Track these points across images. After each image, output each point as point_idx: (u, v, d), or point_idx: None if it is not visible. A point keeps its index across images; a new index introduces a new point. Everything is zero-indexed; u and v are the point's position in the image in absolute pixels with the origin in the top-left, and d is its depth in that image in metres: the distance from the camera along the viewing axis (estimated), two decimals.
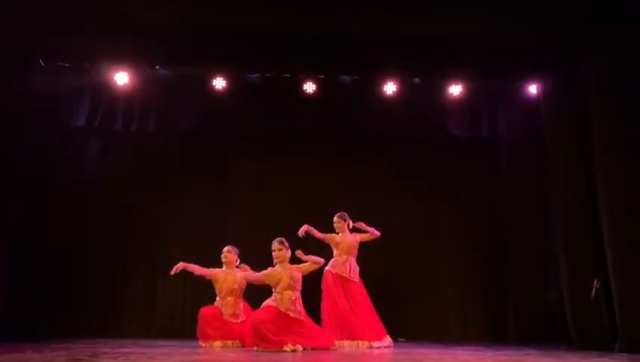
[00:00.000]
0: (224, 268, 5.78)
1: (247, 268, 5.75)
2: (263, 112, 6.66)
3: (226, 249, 5.80)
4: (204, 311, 5.59)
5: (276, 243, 5.33)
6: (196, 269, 5.68)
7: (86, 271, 6.48)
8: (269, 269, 5.28)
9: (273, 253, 5.30)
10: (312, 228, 5.82)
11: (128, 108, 6.54)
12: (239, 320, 5.58)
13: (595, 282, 5.57)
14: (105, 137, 6.82)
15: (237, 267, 5.80)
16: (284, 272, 5.23)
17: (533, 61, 6.15)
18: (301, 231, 5.75)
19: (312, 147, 7.04)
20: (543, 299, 6.44)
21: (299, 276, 5.30)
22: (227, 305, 5.65)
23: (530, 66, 6.23)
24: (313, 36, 5.86)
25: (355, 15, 5.56)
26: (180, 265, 5.57)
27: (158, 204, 6.84)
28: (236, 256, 5.80)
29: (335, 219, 6.01)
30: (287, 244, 5.34)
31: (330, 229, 6.01)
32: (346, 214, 6.02)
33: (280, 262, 5.29)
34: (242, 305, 5.73)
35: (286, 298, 5.15)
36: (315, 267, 5.46)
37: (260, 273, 5.29)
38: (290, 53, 6.11)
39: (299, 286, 5.27)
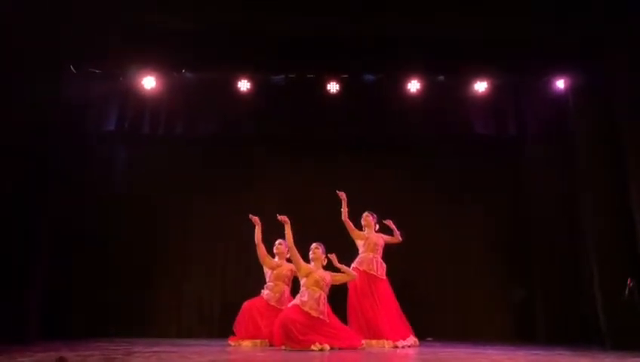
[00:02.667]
0: (276, 259, 5.95)
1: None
2: (288, 113, 6.71)
3: (277, 242, 5.95)
4: (246, 305, 5.74)
5: (314, 244, 5.56)
6: (258, 234, 5.88)
7: (117, 272, 6.61)
8: (306, 263, 5.46)
9: (310, 252, 5.50)
10: (345, 204, 5.92)
11: (156, 112, 6.67)
12: (284, 307, 5.61)
13: (629, 281, 5.44)
14: (133, 141, 6.96)
15: (287, 260, 5.91)
16: (316, 271, 5.37)
17: (560, 56, 6.04)
18: (341, 194, 5.90)
19: (337, 147, 7.06)
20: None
21: (329, 280, 5.39)
22: (275, 289, 5.77)
23: (557, 61, 6.13)
24: (337, 36, 5.88)
25: (379, 14, 5.56)
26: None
27: (185, 205, 6.96)
28: (287, 249, 5.86)
29: (365, 213, 6.06)
30: (323, 249, 5.52)
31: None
32: (376, 215, 6.07)
33: (314, 260, 5.46)
34: (288, 293, 5.83)
35: (311, 294, 5.22)
36: (348, 279, 5.56)
37: (298, 257, 5.43)
38: (314, 54, 6.14)
39: (326, 289, 5.35)
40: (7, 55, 5.31)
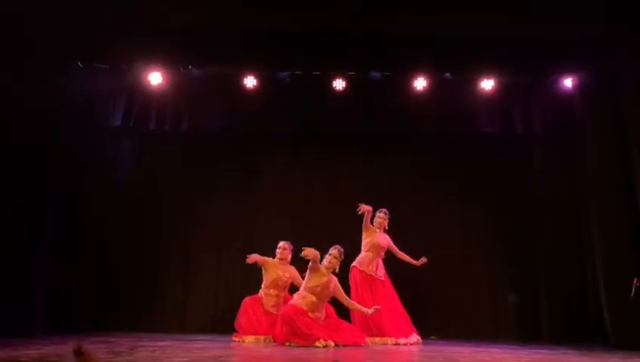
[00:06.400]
0: (276, 261, 5.88)
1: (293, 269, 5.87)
2: (294, 110, 6.70)
3: (281, 244, 5.90)
4: (246, 301, 5.73)
5: (335, 250, 5.42)
6: (258, 258, 5.80)
7: (122, 267, 6.64)
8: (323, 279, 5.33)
9: (326, 260, 5.39)
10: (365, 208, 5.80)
11: (162, 108, 6.67)
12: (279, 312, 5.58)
13: (635, 281, 5.41)
14: (139, 137, 6.97)
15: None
16: (309, 295, 5.32)
17: (568, 56, 5.99)
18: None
19: (342, 145, 7.03)
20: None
21: (326, 282, 5.33)
22: (269, 295, 5.75)
23: (565, 61, 6.07)
24: (343, 33, 5.87)
25: (387, 12, 5.54)
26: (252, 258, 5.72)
27: (191, 200, 6.96)
28: (290, 253, 5.88)
29: (382, 213, 5.99)
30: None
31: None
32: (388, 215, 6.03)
33: (312, 270, 5.33)
34: (285, 298, 5.79)
35: (308, 301, 5.25)
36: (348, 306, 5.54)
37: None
38: (320, 51, 6.12)
39: (326, 297, 5.39)
40: (14, 50, 5.33)
